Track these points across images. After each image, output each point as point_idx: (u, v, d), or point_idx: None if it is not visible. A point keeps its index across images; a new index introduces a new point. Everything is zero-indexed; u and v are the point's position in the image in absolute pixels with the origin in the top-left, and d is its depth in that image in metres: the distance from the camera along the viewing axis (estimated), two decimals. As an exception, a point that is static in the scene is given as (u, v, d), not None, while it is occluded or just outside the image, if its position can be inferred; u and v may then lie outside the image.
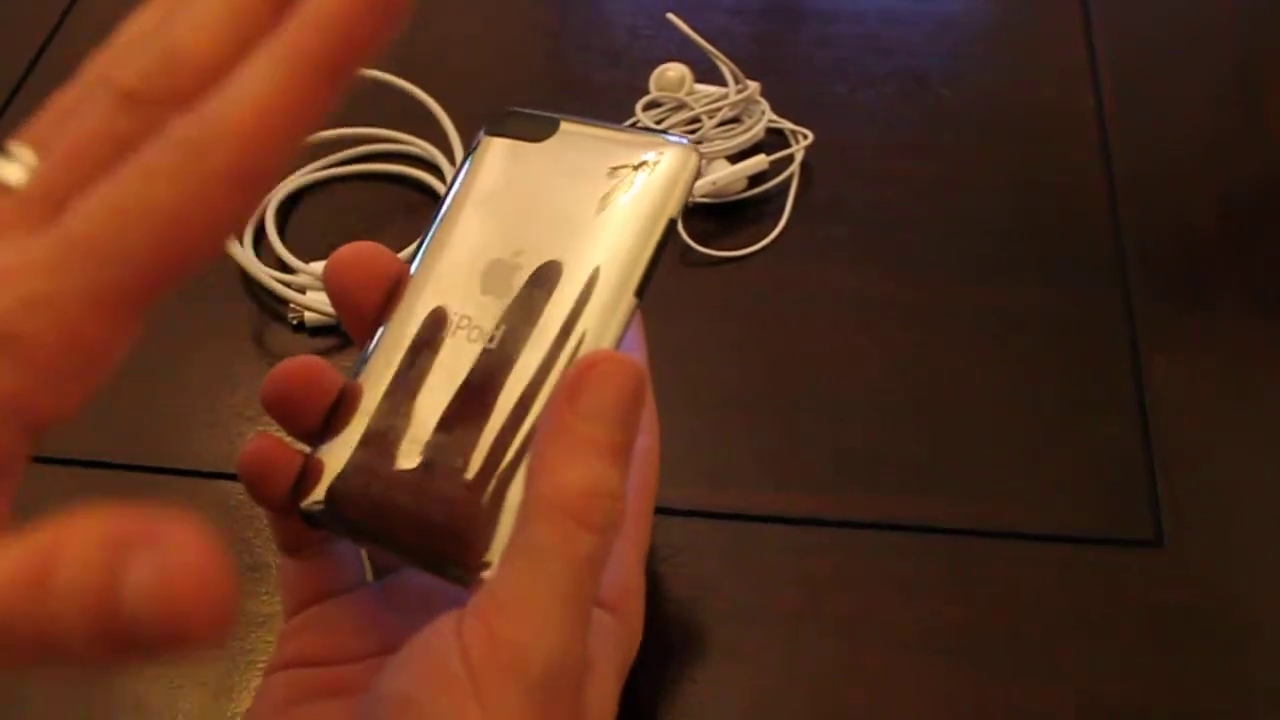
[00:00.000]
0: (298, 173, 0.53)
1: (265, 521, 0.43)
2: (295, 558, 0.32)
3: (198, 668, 0.39)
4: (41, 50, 0.61)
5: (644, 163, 0.29)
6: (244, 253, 0.50)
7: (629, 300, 0.28)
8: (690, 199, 0.51)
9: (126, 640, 0.18)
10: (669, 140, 0.30)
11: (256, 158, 0.20)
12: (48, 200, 0.21)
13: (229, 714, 0.39)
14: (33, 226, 0.20)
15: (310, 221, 0.53)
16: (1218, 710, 0.38)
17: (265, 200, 0.52)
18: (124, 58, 0.22)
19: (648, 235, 0.29)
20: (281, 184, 0.53)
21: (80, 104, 0.22)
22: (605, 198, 0.29)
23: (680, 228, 0.50)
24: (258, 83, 0.20)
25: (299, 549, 0.32)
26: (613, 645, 0.29)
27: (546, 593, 0.25)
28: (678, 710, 0.38)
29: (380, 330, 0.30)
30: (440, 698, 0.24)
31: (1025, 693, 0.38)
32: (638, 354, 0.34)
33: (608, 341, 0.28)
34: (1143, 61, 0.58)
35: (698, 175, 0.30)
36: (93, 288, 0.19)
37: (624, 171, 0.29)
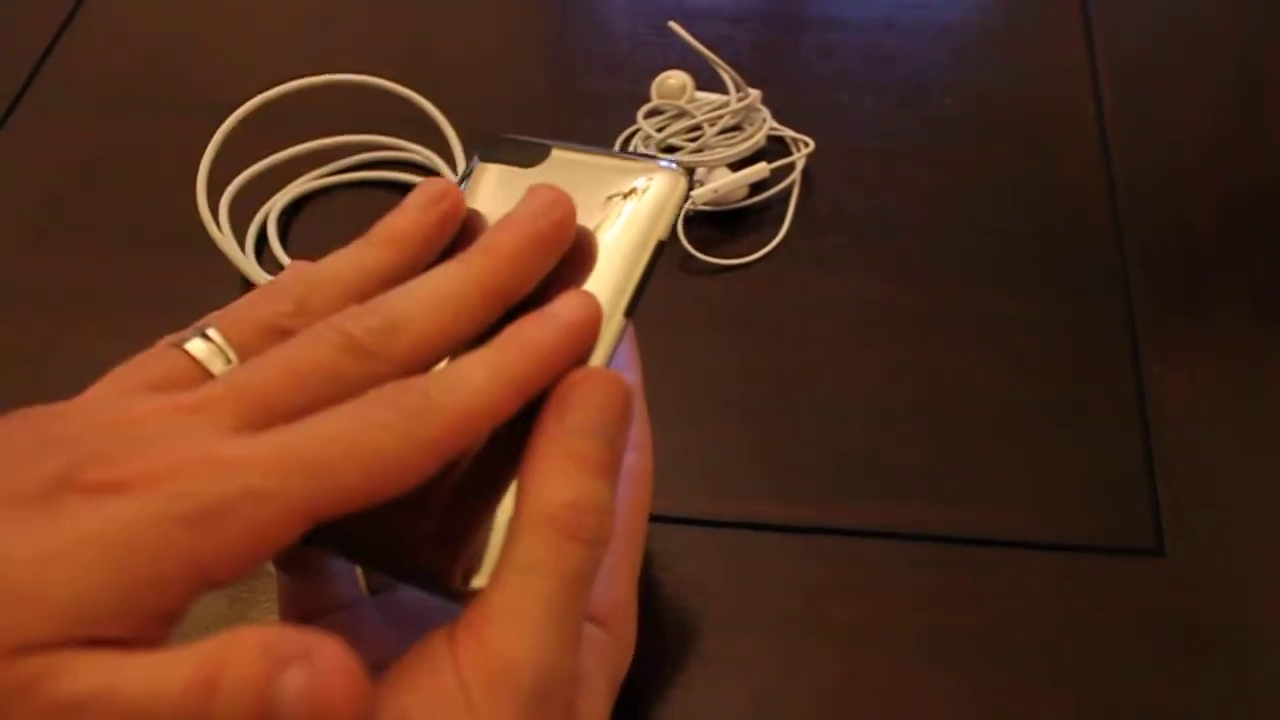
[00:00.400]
0: (301, 179, 0.54)
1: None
2: (291, 574, 0.32)
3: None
4: (46, 54, 0.61)
5: (633, 190, 0.30)
6: (246, 260, 0.50)
7: (619, 320, 0.29)
8: (692, 206, 0.51)
9: None
10: (658, 165, 0.30)
11: (461, 439, 0.24)
12: (264, 406, 0.24)
13: None
14: (243, 422, 0.24)
15: (312, 228, 0.53)
16: (1219, 718, 0.38)
17: (268, 206, 0.52)
18: (351, 312, 0.26)
19: (637, 258, 0.29)
20: (284, 191, 0.53)
21: (289, 323, 0.26)
22: (595, 223, 0.30)
23: (681, 235, 0.50)
24: (476, 384, 0.25)
25: (294, 566, 0.32)
26: (604, 659, 0.30)
27: (537, 607, 0.25)
28: (677, 719, 0.38)
29: None
30: (435, 712, 0.25)
31: (1026, 701, 0.38)
32: (631, 372, 0.35)
33: (598, 360, 0.28)
34: (1143, 64, 0.58)
35: (687, 198, 0.30)
36: (302, 498, 0.22)
37: (614, 199, 0.30)
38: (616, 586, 0.31)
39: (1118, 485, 0.43)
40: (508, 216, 0.29)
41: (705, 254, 0.50)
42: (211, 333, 0.26)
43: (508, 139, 0.32)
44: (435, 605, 0.27)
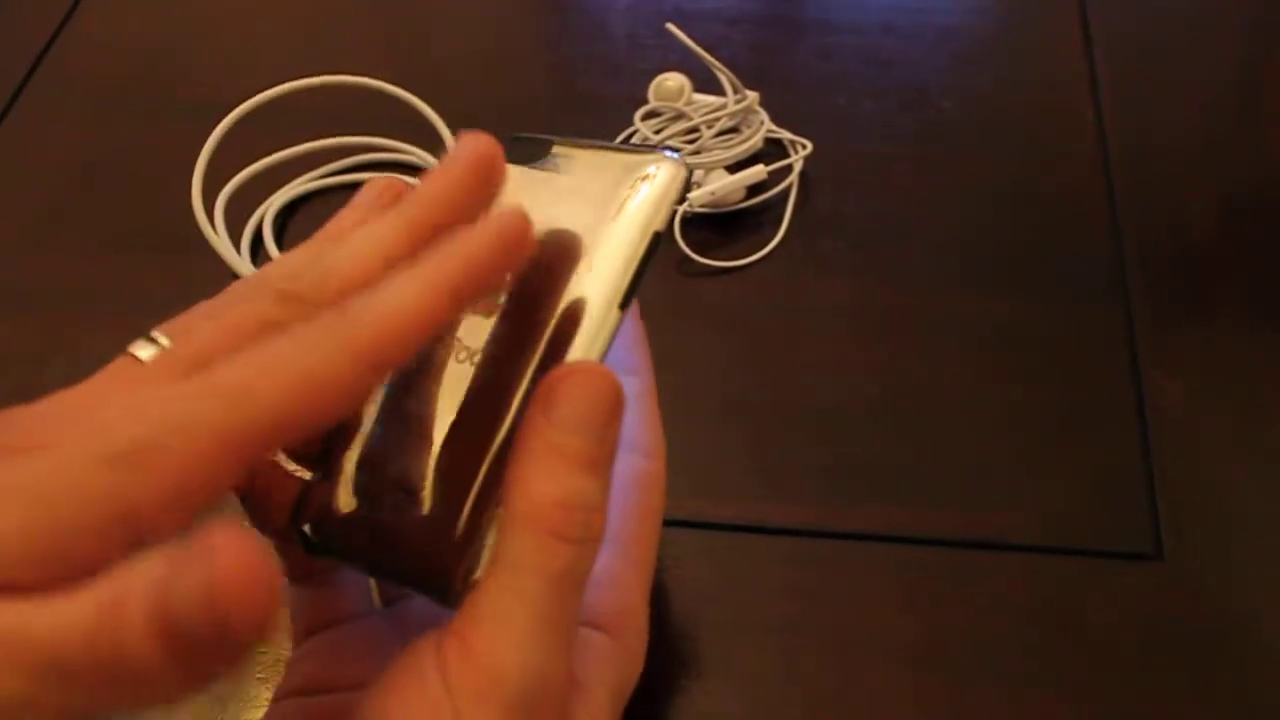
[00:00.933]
0: (296, 181, 0.54)
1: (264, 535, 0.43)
2: (302, 585, 0.32)
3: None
4: (43, 53, 0.61)
5: (634, 181, 0.29)
6: (242, 261, 0.50)
7: (613, 314, 0.28)
8: (690, 208, 0.51)
9: (185, 651, 0.19)
10: (656, 155, 0.30)
11: (386, 347, 0.23)
12: (196, 361, 0.24)
13: (224, 725, 0.38)
14: (179, 378, 0.23)
15: (308, 230, 0.52)
16: (1217, 723, 0.38)
17: (263, 208, 0.52)
18: (279, 272, 0.26)
19: (633, 249, 0.28)
20: (280, 192, 0.53)
21: (231, 301, 0.26)
22: (595, 216, 0.29)
23: (679, 237, 0.50)
24: (398, 292, 0.24)
25: (305, 576, 0.32)
26: (607, 667, 0.29)
27: (523, 609, 0.25)
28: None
29: None
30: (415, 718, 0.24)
31: (1024, 706, 0.38)
32: (641, 376, 0.34)
33: (593, 354, 0.27)
34: (1141, 68, 0.58)
35: (686, 189, 0.30)
36: (225, 423, 0.22)
37: (615, 190, 0.29)
38: (624, 593, 0.30)
39: (1116, 489, 0.43)
40: (433, 168, 0.29)
41: (702, 256, 0.50)
42: (157, 335, 0.26)
43: (514, 138, 0.32)
44: (446, 615, 0.27)
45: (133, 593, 0.20)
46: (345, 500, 0.29)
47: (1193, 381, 0.46)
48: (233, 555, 0.19)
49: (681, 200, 0.30)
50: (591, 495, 0.26)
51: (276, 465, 0.30)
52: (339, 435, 0.30)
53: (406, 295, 0.24)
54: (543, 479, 0.26)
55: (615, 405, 0.27)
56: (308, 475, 0.30)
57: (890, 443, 0.45)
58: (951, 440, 0.45)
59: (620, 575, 0.30)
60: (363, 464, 0.29)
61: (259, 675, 0.39)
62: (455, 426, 0.28)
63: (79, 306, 0.50)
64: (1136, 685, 0.38)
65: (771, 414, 0.46)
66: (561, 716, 0.26)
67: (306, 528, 0.29)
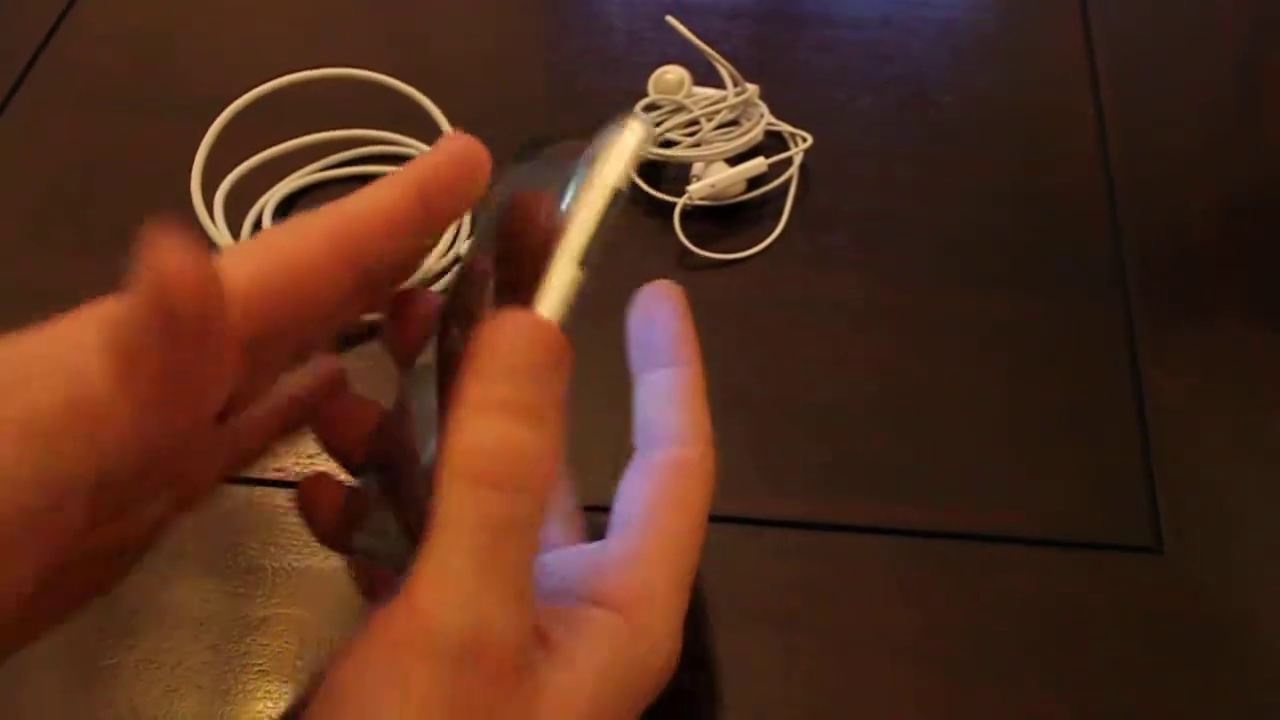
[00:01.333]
0: (296, 174, 0.53)
1: (261, 526, 0.43)
2: (374, 601, 0.32)
3: (194, 673, 0.39)
4: (41, 47, 0.61)
5: (599, 144, 0.30)
6: (241, 254, 0.50)
7: (571, 270, 0.28)
8: (690, 200, 0.51)
9: (137, 361, 0.23)
10: (621, 117, 0.30)
11: (356, 231, 0.26)
12: None
13: (225, 717, 0.38)
14: None
15: (308, 223, 0.53)
16: (1217, 717, 0.38)
17: (263, 201, 0.52)
18: None
19: (592, 207, 0.28)
20: (280, 185, 0.53)
21: None
22: (562, 183, 0.29)
23: (678, 230, 0.50)
24: (363, 192, 0.27)
25: (373, 592, 0.32)
26: (603, 644, 0.28)
27: (461, 560, 0.24)
28: (669, 717, 0.38)
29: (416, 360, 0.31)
30: (363, 678, 0.24)
31: (1022, 700, 0.38)
32: (688, 365, 0.34)
33: (548, 312, 0.27)
34: (1142, 65, 0.58)
35: (647, 145, 0.30)
36: (203, 304, 0.23)
37: (584, 159, 0.29)
38: (641, 576, 0.29)
39: (1116, 487, 0.43)
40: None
41: (702, 249, 0.50)
42: None
43: (524, 144, 0.32)
44: None
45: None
46: (382, 505, 0.29)
47: (1193, 381, 0.46)
48: (168, 248, 0.22)
49: (640, 153, 0.30)
50: (522, 442, 0.25)
51: (326, 476, 0.30)
52: (380, 439, 0.30)
53: (371, 194, 0.27)
54: (471, 428, 0.25)
55: (547, 351, 0.26)
56: (355, 483, 0.30)
57: (890, 438, 0.45)
58: (952, 437, 0.45)
59: (640, 558, 0.29)
60: (397, 465, 0.29)
61: (259, 668, 0.39)
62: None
63: (75, 302, 0.50)
64: (1136, 681, 0.39)
65: (772, 408, 0.46)
66: (517, 672, 0.25)
67: (358, 536, 0.30)
